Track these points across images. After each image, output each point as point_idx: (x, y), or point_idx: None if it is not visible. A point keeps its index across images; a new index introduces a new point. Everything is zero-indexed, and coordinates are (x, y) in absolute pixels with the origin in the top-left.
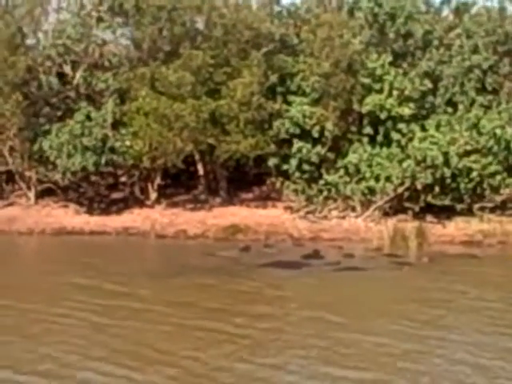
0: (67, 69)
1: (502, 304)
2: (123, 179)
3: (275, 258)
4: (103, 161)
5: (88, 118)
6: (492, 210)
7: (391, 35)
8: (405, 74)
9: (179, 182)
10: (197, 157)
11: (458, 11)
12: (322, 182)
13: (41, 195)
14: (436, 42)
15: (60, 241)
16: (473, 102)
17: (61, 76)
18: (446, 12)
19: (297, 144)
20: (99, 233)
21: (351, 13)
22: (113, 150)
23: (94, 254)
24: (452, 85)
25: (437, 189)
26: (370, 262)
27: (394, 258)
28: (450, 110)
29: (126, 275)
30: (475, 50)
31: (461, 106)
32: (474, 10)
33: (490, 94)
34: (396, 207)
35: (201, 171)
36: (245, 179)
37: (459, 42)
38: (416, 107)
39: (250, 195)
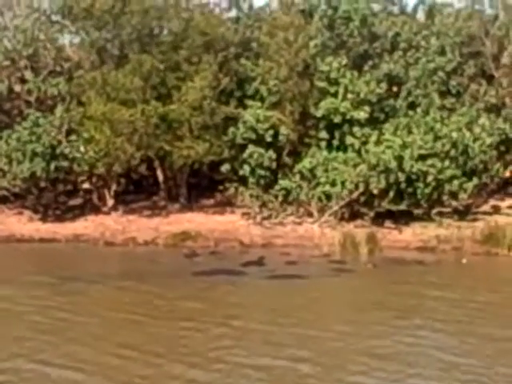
0: (28, 74)
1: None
2: (86, 186)
3: (213, 266)
4: (52, 167)
5: (37, 124)
6: (454, 215)
7: (356, 38)
8: (363, 76)
9: (141, 188)
10: (156, 163)
11: (431, 13)
12: (277, 187)
13: None
14: (404, 45)
15: (2, 249)
16: (434, 105)
17: (23, 81)
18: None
19: (249, 149)
20: (49, 240)
21: (310, 15)
22: (64, 156)
23: (26, 261)
24: (415, 87)
25: (391, 194)
26: (310, 269)
27: (338, 264)
28: (411, 113)
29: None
30: (442, 52)
31: (419, 109)
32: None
33: (453, 97)
34: (354, 212)
35: (160, 177)
36: (208, 185)
37: (425, 43)
38: (374, 110)
39: (212, 201)
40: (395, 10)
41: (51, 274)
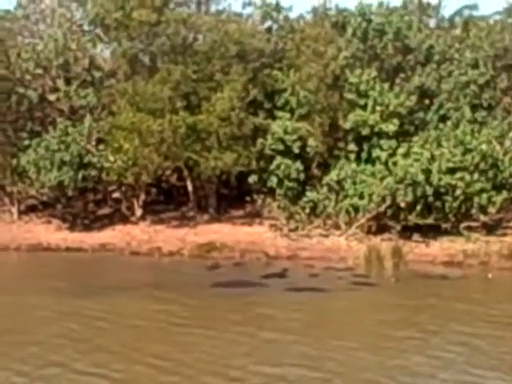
0: (60, 83)
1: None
2: (116, 195)
3: (234, 277)
4: (80, 176)
5: (66, 133)
6: (483, 230)
7: (389, 50)
8: (394, 89)
9: (171, 198)
10: (186, 173)
11: (467, 26)
12: (305, 199)
13: (27, 211)
14: (438, 57)
15: (29, 257)
16: (464, 118)
17: (55, 90)
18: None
19: (276, 160)
20: (75, 249)
21: (343, 28)
22: (92, 165)
23: (49, 270)
24: (447, 100)
25: (419, 207)
26: (332, 282)
27: (360, 278)
28: (442, 126)
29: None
30: (476, 65)
31: (449, 123)
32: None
33: (485, 110)
34: (382, 226)
35: (190, 187)
36: (238, 196)
37: (458, 56)
38: (404, 123)
39: (241, 212)
40: (431, 23)
41: (72, 283)
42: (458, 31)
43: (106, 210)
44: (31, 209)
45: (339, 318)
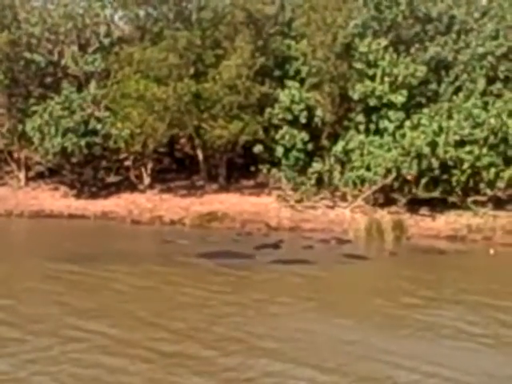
0: (69, 49)
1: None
2: (127, 163)
3: (225, 248)
4: (83, 143)
5: (71, 99)
6: (493, 205)
7: (402, 21)
8: (405, 59)
9: (184, 167)
10: (196, 142)
11: None
12: (310, 170)
13: (36, 177)
14: (457, 27)
15: (29, 223)
16: (482, 91)
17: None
18: None
19: (282, 130)
20: (78, 216)
21: None
22: (97, 132)
23: (35, 237)
24: (462, 72)
25: (424, 180)
26: (323, 255)
27: (355, 251)
28: (455, 98)
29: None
30: (496, 36)
31: (461, 95)
32: None
33: (502, 83)
34: (389, 198)
35: (200, 156)
36: (249, 166)
37: (477, 27)
38: (415, 95)
39: (251, 182)
40: None
41: (62, 249)
42: (484, 1)
43: (115, 178)
44: (40, 175)
45: (314, 290)
